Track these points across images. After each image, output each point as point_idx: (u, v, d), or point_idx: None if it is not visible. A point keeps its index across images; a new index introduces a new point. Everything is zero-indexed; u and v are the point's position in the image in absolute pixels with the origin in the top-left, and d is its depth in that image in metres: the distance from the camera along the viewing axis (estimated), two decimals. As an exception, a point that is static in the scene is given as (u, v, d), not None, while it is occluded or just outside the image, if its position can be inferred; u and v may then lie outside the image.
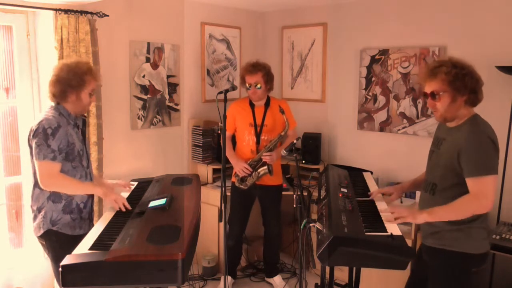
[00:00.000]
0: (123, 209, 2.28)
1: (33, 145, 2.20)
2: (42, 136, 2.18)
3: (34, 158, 2.22)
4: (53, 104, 2.33)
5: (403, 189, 2.53)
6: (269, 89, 3.43)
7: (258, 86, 3.32)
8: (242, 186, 3.39)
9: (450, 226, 2.09)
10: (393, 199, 2.54)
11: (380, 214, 2.23)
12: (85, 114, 2.54)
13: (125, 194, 2.54)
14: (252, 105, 3.41)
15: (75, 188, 2.29)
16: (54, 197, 2.29)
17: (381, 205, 2.36)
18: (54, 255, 2.30)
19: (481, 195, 1.97)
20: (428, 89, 2.10)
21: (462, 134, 2.04)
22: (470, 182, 1.99)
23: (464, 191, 2.01)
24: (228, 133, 3.44)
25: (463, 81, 2.01)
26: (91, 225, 2.46)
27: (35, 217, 2.32)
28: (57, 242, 2.29)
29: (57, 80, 2.26)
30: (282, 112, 3.22)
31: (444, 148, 2.14)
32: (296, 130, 3.57)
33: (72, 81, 2.26)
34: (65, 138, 2.24)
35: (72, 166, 2.30)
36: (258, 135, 3.38)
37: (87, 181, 2.41)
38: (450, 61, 2.06)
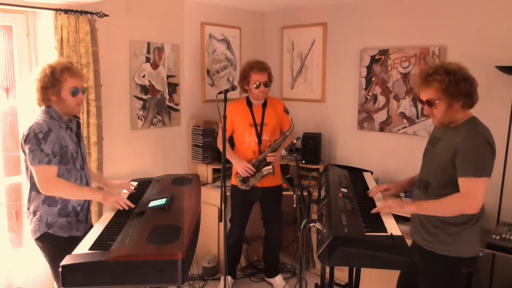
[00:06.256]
0: (126, 208, 2.28)
1: (27, 151, 2.19)
2: (35, 141, 2.16)
3: (29, 163, 2.21)
4: (43, 107, 2.31)
5: (402, 186, 2.54)
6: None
7: (267, 84, 3.31)
8: (244, 187, 3.36)
9: (444, 229, 2.10)
10: (392, 194, 2.56)
11: (380, 213, 2.23)
12: (79, 116, 2.51)
13: (125, 194, 2.53)
14: (249, 105, 3.39)
15: (74, 193, 2.28)
16: (49, 200, 2.27)
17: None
18: (51, 257, 2.30)
19: (470, 196, 1.98)
20: (423, 96, 2.11)
21: (460, 135, 2.05)
22: (461, 181, 2.01)
23: (456, 190, 2.03)
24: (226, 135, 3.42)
25: (457, 87, 2.02)
26: (87, 226, 2.45)
27: (31, 220, 2.32)
28: (53, 244, 2.28)
29: (37, 84, 2.25)
30: (287, 112, 3.21)
31: (440, 147, 2.16)
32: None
33: (47, 83, 2.23)
34: (58, 141, 2.22)
35: (66, 169, 2.29)
36: (259, 135, 3.37)
37: (82, 183, 2.39)
38: (443, 67, 2.06)
